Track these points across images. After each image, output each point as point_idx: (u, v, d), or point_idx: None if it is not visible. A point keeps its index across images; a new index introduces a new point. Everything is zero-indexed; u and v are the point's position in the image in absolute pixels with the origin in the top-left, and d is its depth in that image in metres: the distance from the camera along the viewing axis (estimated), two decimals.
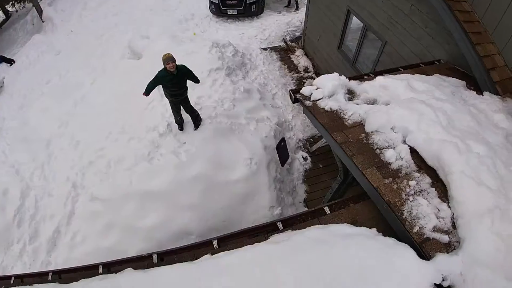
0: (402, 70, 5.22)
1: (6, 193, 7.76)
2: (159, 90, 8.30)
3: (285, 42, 12.06)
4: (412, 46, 6.24)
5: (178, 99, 6.56)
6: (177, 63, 6.02)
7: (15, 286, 4.13)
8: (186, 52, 9.19)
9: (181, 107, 6.86)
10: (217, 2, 13.11)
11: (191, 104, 6.95)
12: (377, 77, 4.71)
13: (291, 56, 11.48)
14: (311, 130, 8.78)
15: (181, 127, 7.27)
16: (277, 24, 13.34)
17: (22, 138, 9.08)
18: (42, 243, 6.99)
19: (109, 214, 6.71)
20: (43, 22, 16.60)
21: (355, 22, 8.07)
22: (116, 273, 3.55)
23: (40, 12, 16.93)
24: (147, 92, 6.24)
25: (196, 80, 6.62)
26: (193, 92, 8.14)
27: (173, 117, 7.13)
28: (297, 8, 14.43)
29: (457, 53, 5.19)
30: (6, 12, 22.92)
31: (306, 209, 7.29)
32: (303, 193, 7.71)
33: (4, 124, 10.06)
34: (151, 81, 6.17)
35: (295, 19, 13.58)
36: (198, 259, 3.38)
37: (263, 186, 6.93)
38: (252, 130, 7.66)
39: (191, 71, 6.42)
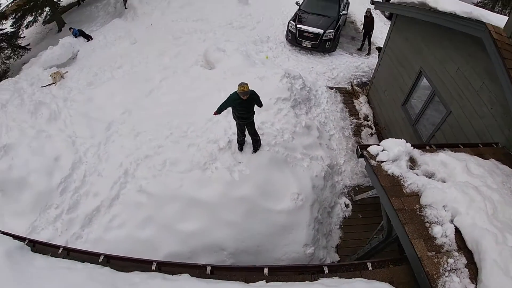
0: (461, 147, 5.33)
1: (57, 160, 8.20)
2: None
3: (351, 85, 12.09)
4: (474, 122, 6.24)
5: (245, 122, 6.87)
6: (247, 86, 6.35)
7: (62, 256, 4.33)
8: (258, 75, 9.49)
9: (246, 129, 7.12)
10: (294, 32, 13.50)
11: (255, 128, 7.20)
12: (439, 153, 4.88)
13: (354, 101, 11.51)
14: (358, 178, 8.79)
15: (241, 148, 7.52)
16: (347, 66, 13.44)
17: (84, 114, 9.53)
18: (79, 216, 7.28)
19: (151, 209, 6.98)
20: (126, 8, 17.46)
21: (424, 83, 8.09)
22: (172, 275, 3.71)
23: None
24: (219, 112, 6.70)
25: (259, 104, 6.92)
26: (258, 116, 8.35)
27: (236, 136, 7.38)
28: (369, 53, 14.53)
29: None
30: None
31: (336, 255, 7.38)
32: (337, 238, 7.69)
33: (70, 94, 10.55)
34: (223, 103, 6.57)
35: (365, 64, 13.65)
36: (254, 283, 3.52)
37: (303, 223, 6.99)
38: (305, 167, 7.77)
39: (258, 97, 6.73)
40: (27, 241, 4.41)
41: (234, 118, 6.93)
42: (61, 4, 20.57)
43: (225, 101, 6.53)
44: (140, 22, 15.85)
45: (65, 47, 13.37)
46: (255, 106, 6.85)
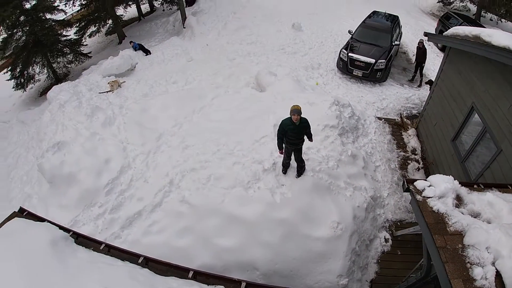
0: (510, 188, 5.20)
1: (108, 162, 8.72)
2: (274, 129, 8.79)
3: (401, 117, 11.89)
4: None
5: (293, 147, 6.97)
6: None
7: (104, 252, 4.56)
8: (308, 101, 9.60)
9: (293, 154, 7.21)
10: (346, 60, 13.55)
11: (302, 155, 7.30)
12: (487, 193, 4.78)
13: (403, 133, 11.27)
14: (401, 213, 8.56)
15: (285, 170, 7.62)
16: (397, 97, 13.23)
17: (138, 122, 10.02)
18: (121, 217, 7.65)
19: (191, 220, 7.19)
20: (184, 28, 18.37)
21: (475, 119, 7.83)
22: (208, 285, 3.81)
23: (184, 18, 18.74)
24: (281, 147, 6.99)
25: (310, 137, 7.06)
26: (305, 142, 8.48)
27: (282, 158, 7.48)
28: (420, 85, 14.22)
29: None
30: (152, 6, 25.71)
31: None
32: (373, 273, 7.48)
33: (126, 103, 11.16)
34: (278, 131, 6.79)
35: (415, 96, 13.35)
36: None
37: (340, 253, 6.90)
38: (348, 196, 7.71)
39: (309, 127, 6.87)
40: (71, 233, 4.68)
41: (283, 142, 7.05)
42: (123, 18, 21.90)
43: (278, 128, 6.73)
44: (196, 42, 16.58)
45: (125, 59, 14.20)
46: (305, 136, 6.98)
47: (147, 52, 15.89)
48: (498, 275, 3.65)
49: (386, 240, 7.98)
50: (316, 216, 7.12)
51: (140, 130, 9.72)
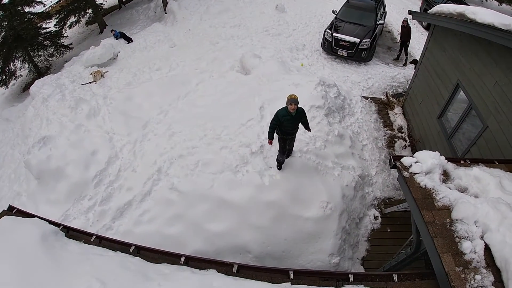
0: (496, 163, 5.22)
1: (94, 154, 8.61)
2: (260, 111, 8.74)
3: (387, 96, 11.91)
4: (511, 137, 6.06)
5: (289, 137, 6.89)
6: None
7: (95, 244, 4.52)
8: (293, 82, 9.58)
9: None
10: (330, 40, 13.50)
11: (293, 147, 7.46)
12: (474, 168, 4.81)
13: (389, 112, 11.35)
14: (389, 191, 8.67)
15: (280, 167, 7.49)
16: (382, 76, 13.28)
17: (123, 111, 9.89)
18: (111, 209, 7.58)
19: (181, 207, 7.17)
20: (166, 13, 18.05)
21: (461, 96, 7.92)
22: (200, 269, 3.81)
23: (165, 3, 18.40)
24: (272, 137, 6.69)
25: (307, 127, 6.94)
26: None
27: (278, 154, 7.33)
28: (405, 64, 14.30)
29: None
30: None
31: (362, 267, 7.30)
32: (364, 250, 7.60)
33: (109, 93, 10.98)
34: (271, 123, 6.55)
35: (401, 75, 13.43)
36: (279, 284, 3.57)
37: (330, 232, 6.98)
38: (336, 176, 7.75)
39: (306, 116, 6.76)
40: (61, 226, 4.62)
41: (277, 134, 6.87)
42: (103, 7, 21.43)
43: (273, 118, 6.52)
44: (179, 27, 16.32)
45: (106, 48, 13.92)
46: (303, 127, 6.93)
47: (129, 40, 15.59)
48: (487, 249, 3.69)
49: (376, 218, 8.10)
50: (306, 197, 7.17)
51: (125, 120, 9.60)
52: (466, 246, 3.73)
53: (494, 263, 3.60)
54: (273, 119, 6.51)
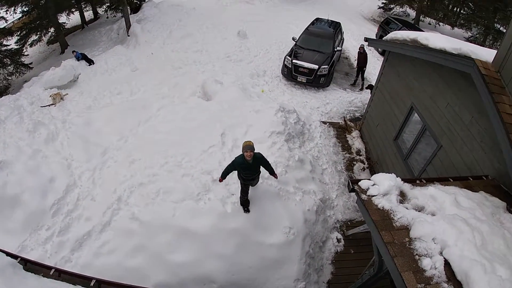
0: (451, 180, 5.46)
1: (52, 181, 8.25)
2: (221, 138, 8.81)
3: (345, 120, 12.39)
4: (465, 156, 6.40)
5: (250, 183, 6.90)
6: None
7: (54, 278, 4.38)
8: (253, 108, 9.76)
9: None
10: (290, 66, 13.92)
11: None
12: (429, 187, 5.01)
13: (347, 135, 11.74)
14: (350, 213, 8.91)
15: (247, 209, 7.30)
16: (340, 101, 13.74)
17: (82, 137, 9.63)
18: (70, 240, 7.25)
19: (143, 237, 7.02)
20: (128, 36, 17.88)
21: (415, 118, 8.29)
22: None
23: (128, 26, 18.22)
24: (224, 177, 6.72)
25: (271, 171, 6.95)
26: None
27: (240, 195, 7.27)
28: (362, 89, 14.91)
29: (505, 172, 5.38)
30: (95, 13, 24.93)
31: None
32: (329, 273, 7.70)
33: (69, 117, 10.66)
34: (228, 166, 6.56)
35: (358, 100, 13.96)
36: None
37: (294, 257, 7.06)
38: (297, 201, 7.89)
39: (267, 161, 6.75)
40: (19, 259, 4.44)
41: (238, 178, 6.83)
42: (66, 26, 21.00)
43: (229, 165, 6.53)
44: (141, 50, 16.22)
45: (67, 69, 13.57)
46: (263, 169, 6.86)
47: (90, 62, 15.28)
48: (447, 264, 3.83)
49: (339, 240, 8.27)
50: (268, 223, 7.24)
51: (84, 145, 9.34)
52: (426, 263, 3.86)
53: (454, 276, 3.74)
54: (229, 165, 6.52)
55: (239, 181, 6.99)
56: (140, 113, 10.44)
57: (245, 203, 7.26)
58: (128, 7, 18.78)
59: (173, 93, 11.89)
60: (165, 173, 8.12)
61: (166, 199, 7.50)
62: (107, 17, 22.69)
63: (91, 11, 25.01)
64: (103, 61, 15.36)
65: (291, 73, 14.00)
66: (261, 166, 6.75)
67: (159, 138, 9.22)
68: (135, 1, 22.65)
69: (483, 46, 23.74)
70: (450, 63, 6.43)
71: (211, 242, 6.85)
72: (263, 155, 6.67)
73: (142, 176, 8.12)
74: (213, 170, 7.94)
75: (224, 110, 10.02)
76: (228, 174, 6.66)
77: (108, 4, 21.46)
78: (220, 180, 6.82)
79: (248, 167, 6.37)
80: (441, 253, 3.93)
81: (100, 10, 24.10)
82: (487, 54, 6.09)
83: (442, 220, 4.21)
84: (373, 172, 10.08)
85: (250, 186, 7.07)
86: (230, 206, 7.26)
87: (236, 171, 6.68)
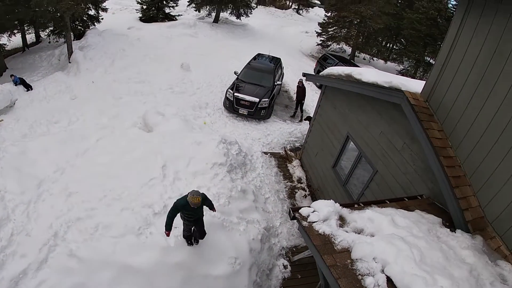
0: (388, 202, 5.79)
1: None
2: (162, 170, 8.82)
3: (285, 150, 12.85)
4: (399, 178, 6.81)
5: (193, 224, 6.80)
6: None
7: None
8: (195, 140, 9.87)
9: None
10: (232, 99, 14.38)
11: (204, 227, 7.09)
12: (366, 210, 5.28)
13: (288, 165, 12.15)
14: (295, 239, 9.12)
15: (190, 242, 7.24)
16: (280, 132, 14.30)
17: (16, 167, 9.04)
18: (5, 279, 6.72)
19: (82, 276, 6.67)
20: (70, 62, 17.45)
21: (352, 146, 8.76)
22: None
23: (70, 52, 17.81)
24: (169, 228, 6.41)
25: (212, 208, 6.92)
26: (194, 180, 8.66)
27: (183, 231, 7.09)
28: (301, 120, 15.67)
29: (438, 191, 5.79)
30: (38, 36, 24.01)
31: None
32: None
33: (3, 145, 10.02)
34: (170, 213, 6.30)
35: (297, 130, 14.61)
36: None
37: (242, 287, 7.12)
38: (241, 231, 8.03)
39: (209, 200, 6.76)
40: None
41: (181, 219, 6.67)
42: (5, 48, 20.02)
43: (171, 210, 6.29)
44: (82, 78, 15.88)
45: (4, 94, 12.92)
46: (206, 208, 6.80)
47: (28, 87, 14.61)
48: (389, 280, 3.99)
49: (285, 267, 8.41)
50: (213, 255, 7.26)
51: (19, 176, 8.80)
52: (369, 281, 4.00)
53: None
54: (170, 211, 6.29)
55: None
56: (78, 144, 10.09)
57: (188, 237, 7.23)
58: (72, 33, 18.43)
59: (113, 123, 11.71)
60: (104, 207, 7.89)
61: (105, 234, 7.27)
62: (49, 42, 21.89)
63: (34, 34, 24.08)
64: (42, 87, 14.84)
65: (233, 106, 14.40)
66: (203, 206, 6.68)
67: (97, 170, 8.96)
68: (79, 27, 22.26)
69: (414, 77, 26.04)
70: (382, 95, 6.98)
71: (155, 277, 6.71)
72: (209, 198, 6.73)
73: (80, 210, 7.82)
74: (154, 203, 7.87)
75: (165, 142, 10.01)
76: (172, 221, 6.34)
77: (52, 28, 20.80)
78: (167, 234, 6.47)
79: (192, 210, 6.27)
80: (382, 271, 4.11)
81: (43, 34, 23.14)
82: (416, 86, 6.74)
83: (381, 240, 4.42)
84: (314, 198, 10.43)
85: (192, 227, 6.94)
86: (173, 239, 7.17)
87: (180, 213, 6.50)
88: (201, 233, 7.11)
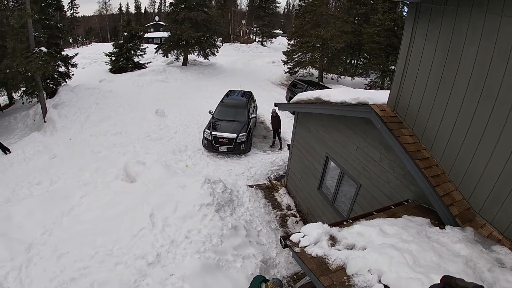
0: (375, 213, 5.90)
1: None
2: (150, 219, 8.84)
3: (270, 180, 12.99)
4: (383, 188, 6.93)
5: None
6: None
7: None
8: (179, 184, 9.94)
9: None
10: (210, 139, 14.63)
11: None
12: (354, 225, 5.37)
13: (275, 194, 12.27)
14: (294, 267, 9.08)
15: None
16: (262, 163, 14.52)
17: (3, 234, 8.84)
18: None
19: None
20: (45, 122, 17.50)
21: (333, 165, 8.89)
22: None
23: (44, 111, 17.90)
24: None
25: None
26: (183, 225, 8.69)
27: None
28: (281, 148, 16.02)
29: (421, 193, 5.89)
30: (11, 98, 23.98)
31: None
32: None
33: None
34: None
35: (279, 159, 14.87)
36: None
37: None
38: (239, 267, 8.02)
39: None
40: None
41: None
42: None
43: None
44: (59, 136, 15.94)
45: None
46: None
47: (6, 150, 14.63)
48: None
49: None
50: None
51: (6, 243, 8.60)
52: None
53: None
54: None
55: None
56: (62, 203, 10.01)
57: None
58: (44, 92, 18.52)
59: (95, 178, 11.74)
60: (96, 264, 7.80)
61: None
62: (23, 103, 21.82)
63: (6, 96, 24.06)
64: (20, 150, 14.85)
65: (212, 145, 14.62)
66: None
67: (85, 227, 8.89)
68: (51, 85, 22.36)
69: (383, 88, 26.89)
70: (351, 112, 7.24)
71: None
72: None
73: (73, 270, 7.69)
74: (147, 254, 7.83)
75: (150, 190, 10.06)
76: None
77: (24, 88, 20.89)
78: None
79: None
80: (379, 281, 4.14)
81: (16, 95, 23.23)
82: (383, 97, 7.02)
83: (372, 251, 4.48)
84: (306, 223, 10.31)
85: None
86: (170, 287, 7.16)
87: None
88: None
